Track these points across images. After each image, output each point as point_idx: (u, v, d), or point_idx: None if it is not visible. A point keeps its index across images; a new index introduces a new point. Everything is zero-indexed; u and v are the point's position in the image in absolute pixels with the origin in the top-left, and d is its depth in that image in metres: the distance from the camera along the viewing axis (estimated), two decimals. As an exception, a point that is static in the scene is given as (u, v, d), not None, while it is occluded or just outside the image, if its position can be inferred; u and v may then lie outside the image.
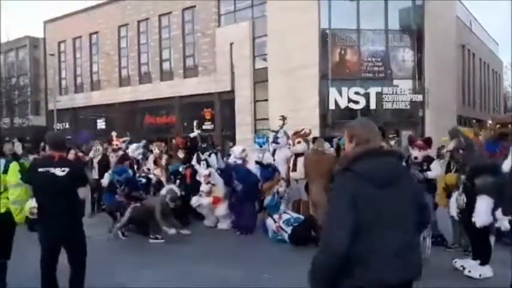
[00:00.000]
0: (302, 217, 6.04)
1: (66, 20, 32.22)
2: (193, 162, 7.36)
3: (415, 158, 5.44)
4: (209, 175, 6.36)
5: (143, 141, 9.02)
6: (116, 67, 29.37)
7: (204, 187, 6.21)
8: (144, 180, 7.50)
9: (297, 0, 19.82)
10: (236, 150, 7.50)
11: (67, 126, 32.05)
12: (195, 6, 25.13)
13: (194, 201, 6.31)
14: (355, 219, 1.88)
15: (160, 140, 13.37)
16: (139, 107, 27.86)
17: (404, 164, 2.16)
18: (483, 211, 4.39)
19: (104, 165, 8.10)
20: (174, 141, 8.63)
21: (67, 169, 3.58)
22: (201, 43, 24.99)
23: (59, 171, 3.54)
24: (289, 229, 5.86)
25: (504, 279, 4.41)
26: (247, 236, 6.51)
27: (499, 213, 4.42)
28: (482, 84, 35.02)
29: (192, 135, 8.49)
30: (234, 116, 23.45)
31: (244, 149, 7.55)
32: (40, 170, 3.59)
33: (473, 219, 4.46)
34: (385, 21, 20.72)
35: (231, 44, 23.22)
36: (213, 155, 7.13)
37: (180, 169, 7.51)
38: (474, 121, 28.47)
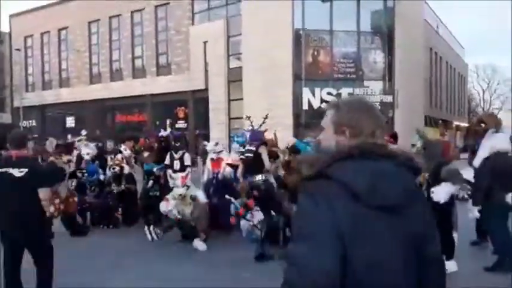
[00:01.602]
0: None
1: (33, 14, 31.14)
2: (167, 161, 7.29)
3: None
4: (186, 176, 6.23)
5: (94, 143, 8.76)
6: (86, 64, 28.65)
7: (178, 190, 6.00)
8: (116, 169, 7.43)
9: (271, 0, 19.94)
10: (210, 145, 7.43)
11: (34, 123, 31.02)
12: (168, 3, 24.85)
13: (163, 209, 6.04)
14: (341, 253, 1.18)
15: (132, 139, 13.14)
16: (111, 104, 27.30)
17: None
18: (442, 191, 4.68)
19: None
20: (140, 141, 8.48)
21: (25, 170, 3.51)
22: (174, 41, 24.73)
23: (16, 172, 3.48)
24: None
25: (468, 272, 4.69)
26: (222, 236, 6.49)
27: (469, 204, 4.84)
28: (448, 86, 36.31)
29: (164, 133, 8.37)
30: (208, 114, 23.35)
31: (218, 143, 7.47)
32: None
33: (431, 195, 4.72)
34: (357, 22, 21.15)
35: (205, 42, 23.11)
36: (186, 154, 7.08)
37: (154, 170, 7.41)
38: (440, 121, 29.53)
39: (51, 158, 6.68)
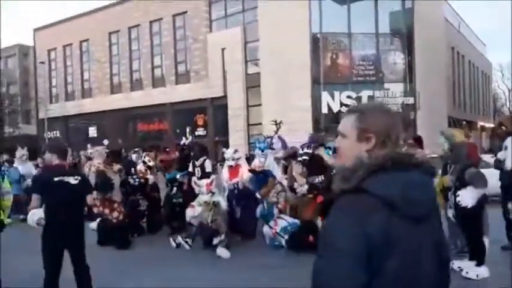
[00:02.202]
0: (298, 222, 6.00)
1: (56, 27, 32.06)
2: (190, 169, 7.31)
3: None
4: (211, 183, 6.23)
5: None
6: (107, 74, 29.24)
7: (204, 197, 6.02)
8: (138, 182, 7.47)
9: (288, 4, 19.93)
10: (228, 152, 7.35)
11: (58, 134, 31.78)
12: (186, 12, 25.16)
13: (189, 215, 6.07)
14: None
15: (153, 149, 13.28)
16: (131, 114, 27.74)
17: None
18: (467, 195, 4.54)
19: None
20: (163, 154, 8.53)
21: (79, 178, 3.82)
22: (192, 49, 25.00)
23: (72, 180, 3.74)
24: (286, 235, 5.84)
25: (500, 278, 4.48)
26: (247, 241, 6.45)
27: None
28: (472, 86, 35.43)
29: (186, 142, 8.42)
30: (227, 121, 23.43)
31: (237, 150, 7.43)
32: (55, 179, 3.68)
33: (457, 199, 4.62)
34: (376, 24, 20.91)
35: (223, 49, 23.26)
36: (207, 161, 7.09)
37: (178, 176, 7.46)
38: (464, 122, 28.77)
39: (101, 167, 6.90)
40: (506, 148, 4.78)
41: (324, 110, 20.39)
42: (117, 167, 7.12)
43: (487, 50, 43.13)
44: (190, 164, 7.10)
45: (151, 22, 26.84)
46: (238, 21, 23.38)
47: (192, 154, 7.64)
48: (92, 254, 4.09)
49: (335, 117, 20.09)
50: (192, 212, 6.01)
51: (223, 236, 5.89)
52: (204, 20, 24.43)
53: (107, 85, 29.25)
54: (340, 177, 1.28)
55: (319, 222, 5.70)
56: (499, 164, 5.17)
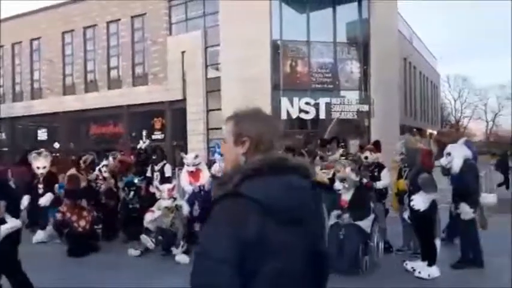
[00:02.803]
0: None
1: (4, 24, 30.22)
2: (149, 173, 7.11)
3: (366, 157, 5.77)
4: (173, 188, 6.08)
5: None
6: (60, 74, 27.96)
7: (164, 202, 5.85)
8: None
9: (250, 10, 20.06)
10: (189, 157, 7.13)
11: (3, 136, 29.95)
12: (145, 13, 24.63)
13: (147, 220, 5.87)
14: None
15: (108, 151, 12.87)
16: (85, 116, 26.65)
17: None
18: (420, 199, 4.79)
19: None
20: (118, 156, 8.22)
21: None
22: (151, 51, 24.48)
23: None
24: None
25: (448, 277, 4.76)
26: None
27: (464, 206, 4.98)
28: (422, 96, 37.27)
29: (142, 146, 8.21)
30: (186, 125, 23.12)
31: (197, 155, 7.28)
32: None
33: (411, 203, 4.86)
34: (334, 33, 21.49)
35: (183, 52, 22.98)
36: (167, 166, 6.92)
37: (136, 181, 7.23)
38: (415, 130, 30.20)
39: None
40: (449, 155, 5.08)
41: (284, 116, 20.62)
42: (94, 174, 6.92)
43: (437, 62, 45.66)
44: (149, 168, 6.91)
45: (108, 23, 26.03)
46: (199, 25, 23.20)
47: (152, 158, 7.45)
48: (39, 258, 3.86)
49: (294, 123, 20.41)
50: (151, 216, 5.84)
51: (182, 242, 5.76)
52: (163, 22, 24.02)
53: (59, 86, 27.97)
54: (218, 182, 1.31)
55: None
56: (444, 170, 5.48)
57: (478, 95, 59.10)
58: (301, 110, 20.41)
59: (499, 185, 13.41)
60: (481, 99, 59.24)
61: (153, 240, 5.86)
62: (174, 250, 5.74)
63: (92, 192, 7.09)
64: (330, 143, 6.80)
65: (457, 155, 5.03)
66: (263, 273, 1.18)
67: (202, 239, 1.26)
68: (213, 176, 6.92)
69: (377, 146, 5.98)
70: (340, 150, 6.82)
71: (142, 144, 8.34)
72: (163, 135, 23.92)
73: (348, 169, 5.32)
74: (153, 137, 24.24)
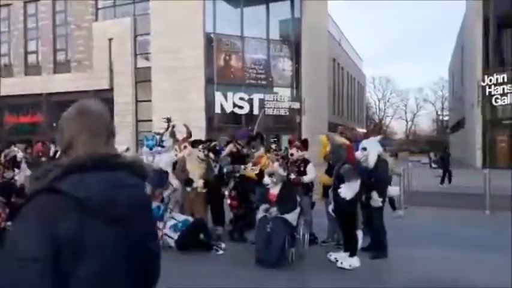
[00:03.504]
0: (190, 219, 5.78)
1: None
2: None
3: (291, 154, 5.88)
4: None
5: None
6: (-33, 56, 25.10)
7: None
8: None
9: (182, 1, 19.52)
10: (119, 150, 6.73)
11: None
12: (68, -4, 22.93)
13: None
14: None
15: (23, 142, 11.78)
16: (-1, 103, 24.22)
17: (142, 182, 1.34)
18: (346, 189, 5.03)
19: None
20: (35, 146, 7.47)
21: None
22: (75, 37, 22.84)
23: None
24: (176, 235, 5.57)
25: (367, 267, 4.96)
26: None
27: (374, 194, 5.27)
28: (349, 95, 39.19)
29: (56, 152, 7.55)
30: (113, 116, 21.94)
31: (129, 148, 6.87)
32: None
33: (339, 192, 5.05)
34: (267, 30, 21.70)
35: (110, 39, 21.75)
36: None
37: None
38: (340, 127, 31.69)
39: None
40: (365, 149, 5.31)
41: (217, 110, 20.43)
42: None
43: (363, 64, 48.29)
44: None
45: (25, 2, 23.81)
46: (128, 12, 22.10)
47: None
48: None
49: (228, 118, 20.32)
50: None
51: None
52: (89, 6, 22.52)
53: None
54: (33, 176, 1.20)
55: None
56: (359, 165, 5.69)
57: (399, 96, 63.82)
58: (235, 105, 20.37)
59: (442, 180, 14.05)
60: (402, 99, 64.04)
61: None
62: None
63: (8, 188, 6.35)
64: (255, 140, 6.80)
65: (372, 151, 5.32)
66: (81, 273, 1.10)
67: (11, 236, 1.13)
68: None
69: (304, 144, 6.10)
70: (262, 148, 6.85)
71: (55, 150, 7.65)
72: (87, 127, 22.56)
73: (275, 164, 5.33)
74: (76, 128, 22.78)
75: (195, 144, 6.38)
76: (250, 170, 6.22)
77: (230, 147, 6.80)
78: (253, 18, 21.35)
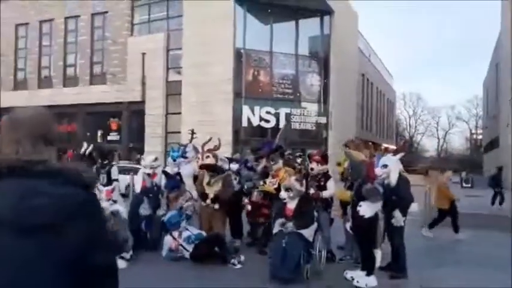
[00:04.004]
0: (204, 233, 5.90)
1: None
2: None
3: (312, 169, 5.87)
4: (112, 190, 5.85)
5: None
6: (11, 69, 26.58)
7: (103, 204, 5.65)
8: None
9: (214, 17, 20.07)
10: (147, 159, 6.81)
11: None
12: (106, 12, 23.99)
13: None
14: None
15: (60, 151, 12.36)
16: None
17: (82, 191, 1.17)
18: (366, 207, 4.95)
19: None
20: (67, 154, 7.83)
21: None
22: (111, 51, 23.83)
23: None
24: (190, 247, 5.70)
25: (384, 287, 4.92)
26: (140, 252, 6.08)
27: (397, 212, 5.17)
28: (379, 111, 38.67)
29: (87, 150, 7.84)
30: (144, 127, 22.62)
31: (157, 158, 7.05)
32: None
33: (358, 209, 4.99)
34: (296, 46, 21.93)
35: (144, 54, 22.55)
36: (114, 167, 6.72)
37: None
38: (370, 143, 31.25)
39: None
40: (385, 167, 5.21)
41: (244, 124, 20.69)
42: None
43: (393, 80, 47.63)
44: (94, 170, 6.67)
45: (66, 18, 25.10)
46: (162, 27, 22.90)
47: (99, 160, 7.20)
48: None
49: (254, 131, 20.54)
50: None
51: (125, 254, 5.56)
52: (125, 22, 23.49)
53: (10, 80, 26.58)
54: None
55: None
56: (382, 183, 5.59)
57: (430, 113, 62.31)
58: (261, 119, 20.58)
59: (493, 201, 13.17)
60: (433, 117, 62.50)
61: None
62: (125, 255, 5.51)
63: None
64: (274, 153, 6.85)
65: (393, 169, 5.22)
66: None
67: None
68: (165, 173, 6.78)
69: (324, 158, 6.10)
70: (280, 161, 6.83)
71: (85, 148, 7.96)
72: (119, 137, 23.28)
73: (292, 178, 5.38)
74: (109, 138, 23.58)
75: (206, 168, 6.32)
76: (269, 184, 6.29)
77: (264, 163, 6.77)
78: (283, 35, 21.64)
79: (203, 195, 6.18)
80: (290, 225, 5.11)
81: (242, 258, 5.68)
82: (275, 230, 5.28)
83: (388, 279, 5.15)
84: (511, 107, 20.80)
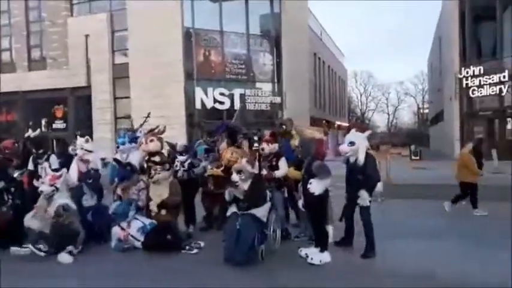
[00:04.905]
0: (155, 222, 5.62)
1: None
2: (30, 167, 6.33)
3: (262, 149, 5.77)
4: (59, 177, 5.40)
5: None
6: None
7: (44, 187, 5.21)
8: None
9: (159, -5, 19.24)
10: (79, 141, 6.31)
11: None
12: (42, -9, 22.33)
13: (27, 221, 5.13)
14: None
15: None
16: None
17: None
18: (315, 184, 4.89)
19: None
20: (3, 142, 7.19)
21: None
22: (49, 33, 22.29)
23: None
24: (142, 237, 5.43)
25: (338, 262, 4.92)
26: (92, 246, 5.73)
27: (363, 192, 5.07)
28: (331, 90, 39.30)
29: (31, 134, 7.35)
30: (91, 113, 21.56)
31: (88, 139, 6.51)
32: None
33: (308, 186, 4.93)
34: (247, 25, 21.56)
35: (87, 36, 21.30)
36: (52, 156, 6.23)
37: (15, 175, 6.39)
38: (324, 122, 31.82)
39: None
40: (353, 144, 5.10)
41: (198, 106, 20.26)
42: None
43: (344, 58, 48.47)
44: (31, 160, 6.16)
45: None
46: (104, 7, 21.65)
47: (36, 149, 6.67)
48: None
49: (209, 113, 20.15)
50: (34, 213, 5.17)
51: (74, 247, 5.19)
52: (63, 2, 21.97)
53: None
54: None
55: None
56: (345, 159, 5.49)
57: (380, 90, 64.48)
58: (215, 100, 20.23)
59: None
60: (383, 93, 64.74)
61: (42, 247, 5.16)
62: (70, 249, 5.14)
63: None
64: (225, 133, 6.61)
65: (361, 146, 5.09)
66: None
67: None
68: (117, 161, 6.35)
69: (274, 137, 6.02)
70: (224, 142, 6.64)
71: (31, 133, 7.45)
72: (65, 125, 22.09)
73: (243, 160, 5.24)
74: (54, 126, 22.31)
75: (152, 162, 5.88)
76: (216, 169, 6.11)
77: (224, 147, 6.53)
78: (233, 13, 21.17)
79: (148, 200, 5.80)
80: (243, 206, 4.99)
81: (202, 244, 5.52)
82: (228, 212, 5.15)
83: (341, 254, 5.18)
84: (455, 79, 21.76)
